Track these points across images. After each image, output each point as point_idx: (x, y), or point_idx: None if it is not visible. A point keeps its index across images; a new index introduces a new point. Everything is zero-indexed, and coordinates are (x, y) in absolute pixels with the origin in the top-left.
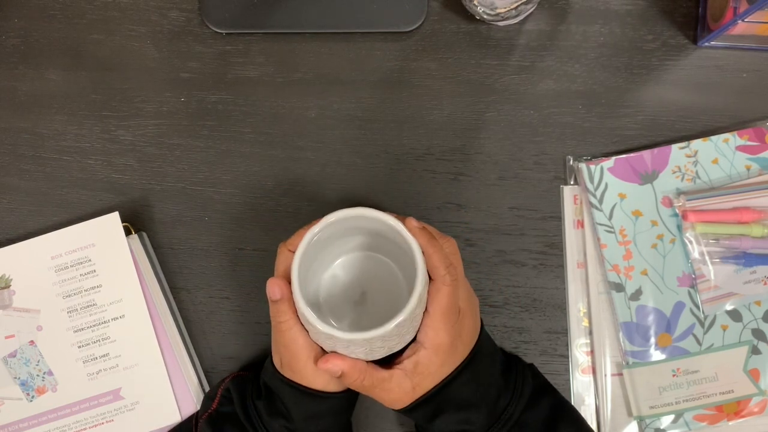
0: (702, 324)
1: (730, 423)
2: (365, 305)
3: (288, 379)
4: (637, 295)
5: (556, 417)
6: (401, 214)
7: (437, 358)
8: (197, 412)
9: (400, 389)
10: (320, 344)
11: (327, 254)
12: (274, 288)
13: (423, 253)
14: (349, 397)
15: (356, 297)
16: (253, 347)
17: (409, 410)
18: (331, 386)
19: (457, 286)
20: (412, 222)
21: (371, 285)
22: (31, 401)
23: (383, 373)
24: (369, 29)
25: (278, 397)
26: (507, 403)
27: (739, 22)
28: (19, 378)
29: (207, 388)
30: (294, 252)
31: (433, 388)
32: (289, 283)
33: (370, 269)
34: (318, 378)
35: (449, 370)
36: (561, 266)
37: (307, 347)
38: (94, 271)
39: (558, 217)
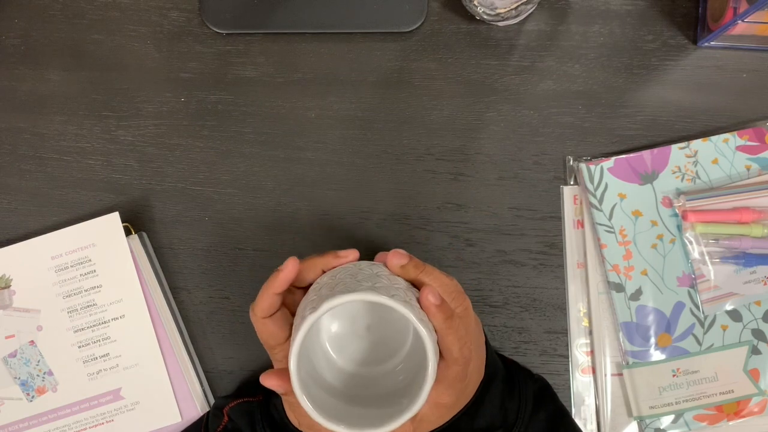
0: (702, 324)
1: (730, 423)
2: (371, 337)
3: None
4: (637, 295)
5: (554, 428)
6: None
7: (438, 412)
8: (206, 422)
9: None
10: None
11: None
12: (272, 384)
13: (437, 330)
14: None
15: (361, 332)
16: (253, 347)
17: None
18: None
19: (469, 364)
20: (429, 299)
21: (374, 316)
22: (31, 401)
23: None
24: (369, 29)
25: None
26: (514, 421)
27: (739, 22)
28: (19, 378)
29: (207, 388)
30: (268, 318)
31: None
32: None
33: (368, 302)
34: None
35: (450, 417)
36: (561, 266)
37: None
38: (94, 271)
39: (558, 217)
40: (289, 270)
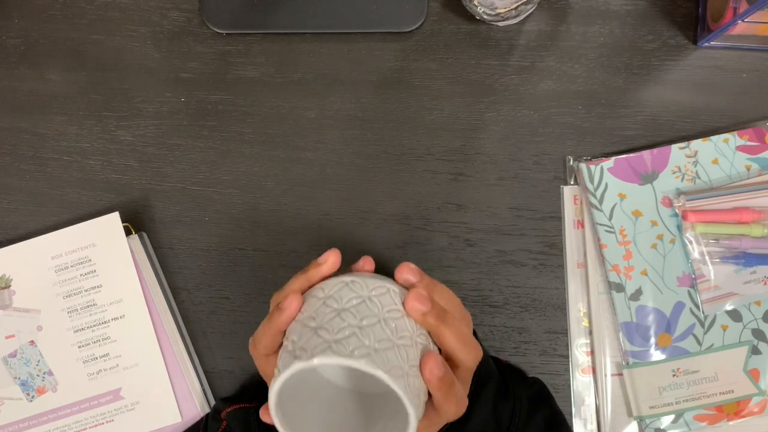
0: (702, 324)
1: (730, 423)
2: (360, 397)
3: None
4: (637, 295)
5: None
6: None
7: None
8: (205, 424)
9: None
10: None
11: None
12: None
13: (435, 397)
14: None
15: (349, 384)
16: None
17: None
18: None
19: (457, 417)
20: (434, 372)
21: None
22: (31, 401)
23: None
24: (369, 29)
25: None
26: (508, 425)
27: (739, 22)
28: (19, 378)
29: (207, 388)
30: (271, 354)
31: None
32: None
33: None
34: None
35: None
36: (561, 266)
37: None
38: (95, 271)
39: (558, 217)
40: (293, 309)
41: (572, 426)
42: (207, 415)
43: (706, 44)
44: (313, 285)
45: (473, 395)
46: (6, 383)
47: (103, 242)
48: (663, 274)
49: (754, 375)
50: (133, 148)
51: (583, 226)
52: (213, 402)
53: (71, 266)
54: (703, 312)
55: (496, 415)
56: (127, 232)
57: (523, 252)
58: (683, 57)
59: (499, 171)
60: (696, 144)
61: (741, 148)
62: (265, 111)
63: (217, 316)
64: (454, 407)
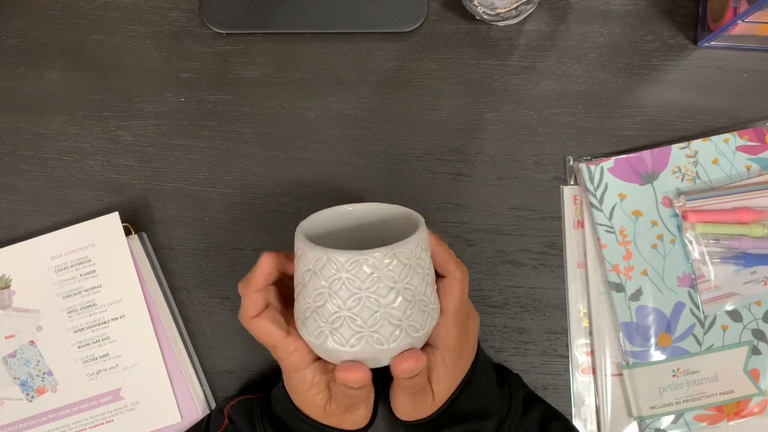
0: (702, 324)
1: (730, 423)
2: None
3: (311, 418)
4: (637, 295)
5: (548, 423)
6: None
7: (449, 358)
8: (206, 423)
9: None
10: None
11: None
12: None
13: (432, 252)
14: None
15: None
16: (253, 347)
17: (415, 425)
18: (357, 424)
19: (467, 282)
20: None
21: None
22: (30, 401)
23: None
24: (369, 29)
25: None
26: (506, 414)
27: (739, 22)
28: (19, 378)
29: (207, 388)
30: (257, 317)
31: (444, 403)
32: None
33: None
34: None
35: (458, 374)
36: (561, 266)
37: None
38: (94, 271)
39: (558, 217)
40: (262, 267)
41: None
42: (209, 415)
43: (706, 44)
44: None
45: (474, 371)
46: (6, 383)
47: (103, 242)
48: (663, 275)
49: (754, 375)
50: (133, 148)
51: (583, 226)
52: (213, 402)
53: (71, 266)
54: (703, 312)
55: (496, 397)
56: (127, 233)
57: (523, 252)
58: (683, 57)
59: (499, 171)
60: (696, 144)
61: (741, 148)
62: (265, 111)
63: (217, 316)
64: (451, 256)
